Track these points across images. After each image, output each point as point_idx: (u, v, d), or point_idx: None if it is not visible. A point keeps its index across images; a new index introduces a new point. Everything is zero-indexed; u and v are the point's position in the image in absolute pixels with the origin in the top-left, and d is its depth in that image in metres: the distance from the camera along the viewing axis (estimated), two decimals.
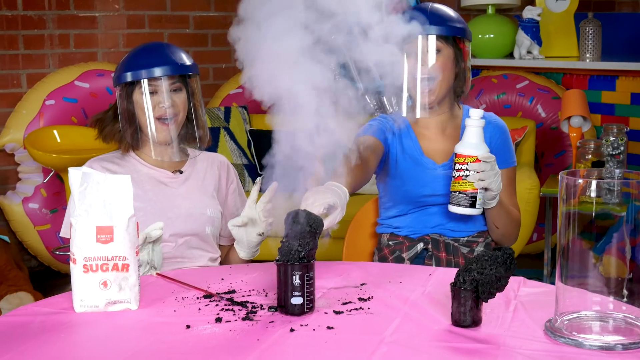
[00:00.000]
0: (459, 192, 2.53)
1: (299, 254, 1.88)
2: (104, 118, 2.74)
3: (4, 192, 5.18)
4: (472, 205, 2.53)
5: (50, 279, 5.15)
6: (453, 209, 2.56)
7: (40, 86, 5.15)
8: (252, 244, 2.55)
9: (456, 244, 2.73)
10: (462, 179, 2.52)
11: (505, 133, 2.83)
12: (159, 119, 2.62)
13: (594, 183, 1.69)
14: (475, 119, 2.52)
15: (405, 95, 2.71)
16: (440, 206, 2.76)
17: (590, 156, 4.40)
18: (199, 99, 2.73)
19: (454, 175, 2.55)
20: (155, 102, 2.61)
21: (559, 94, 5.32)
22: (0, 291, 4.54)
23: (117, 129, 2.69)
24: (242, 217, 2.51)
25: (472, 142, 2.51)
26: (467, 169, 2.50)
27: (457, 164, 2.53)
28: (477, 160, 2.49)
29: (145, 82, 2.60)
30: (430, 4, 2.75)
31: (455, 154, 2.54)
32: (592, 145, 4.43)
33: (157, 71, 2.60)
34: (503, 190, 2.69)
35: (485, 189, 2.53)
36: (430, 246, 2.73)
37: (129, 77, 2.61)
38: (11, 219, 5.06)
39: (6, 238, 4.77)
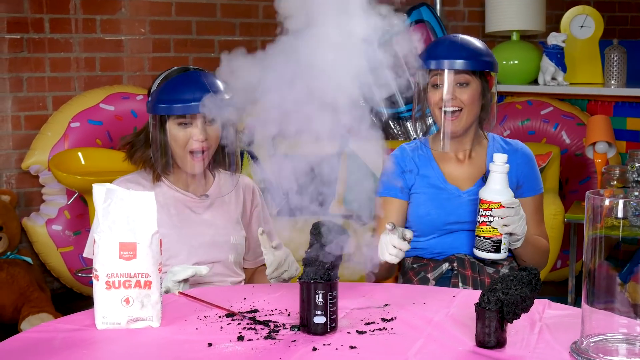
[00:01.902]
0: (483, 237, 2.52)
1: (323, 265, 1.87)
2: (134, 142, 2.70)
3: (28, 213, 5.19)
4: (497, 250, 2.52)
5: (73, 301, 5.15)
6: (478, 253, 2.55)
7: (65, 108, 5.18)
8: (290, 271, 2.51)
9: (481, 264, 2.71)
10: (487, 225, 2.51)
11: (532, 161, 2.83)
12: (192, 152, 2.59)
13: (620, 203, 1.67)
14: (499, 164, 2.51)
15: (429, 124, 2.73)
16: (465, 230, 2.75)
17: (615, 182, 4.37)
18: (235, 128, 2.68)
19: (478, 220, 2.54)
20: (189, 134, 2.56)
21: (583, 120, 5.29)
22: (23, 312, 4.55)
23: (149, 156, 2.65)
24: (270, 267, 2.47)
25: (496, 188, 2.50)
26: (491, 215, 2.49)
27: (481, 209, 2.52)
28: (501, 206, 2.48)
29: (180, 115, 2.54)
30: (460, 36, 2.77)
31: (480, 199, 2.53)
32: (617, 172, 4.40)
33: (194, 108, 2.50)
34: (530, 219, 2.69)
35: (510, 234, 2.53)
36: (455, 264, 2.71)
37: (164, 109, 2.54)
38: (34, 240, 5.07)
39: (29, 259, 4.79)
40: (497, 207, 2.48)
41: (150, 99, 2.61)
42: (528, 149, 2.86)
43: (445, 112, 2.71)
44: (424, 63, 2.72)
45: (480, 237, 2.53)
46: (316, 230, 1.92)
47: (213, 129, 2.59)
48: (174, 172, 2.67)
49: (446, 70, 2.69)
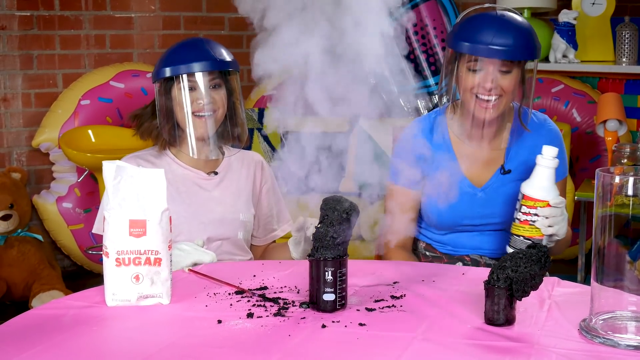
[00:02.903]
0: (523, 237, 2.32)
1: (333, 240, 1.87)
2: (142, 114, 2.73)
3: (38, 191, 5.21)
4: None
5: (83, 278, 5.18)
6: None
7: (75, 86, 5.18)
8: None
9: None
10: (529, 224, 2.31)
11: (562, 143, 2.62)
12: (197, 114, 2.60)
13: (631, 180, 1.66)
14: (548, 158, 2.31)
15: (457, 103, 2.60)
16: (479, 230, 2.65)
17: (625, 160, 4.34)
18: (239, 96, 2.69)
19: (518, 217, 2.34)
20: (193, 97, 2.58)
21: (594, 98, 5.27)
22: (33, 290, 4.58)
23: (155, 125, 2.67)
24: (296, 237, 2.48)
25: (544, 185, 2.31)
26: (535, 214, 2.30)
27: (524, 207, 2.32)
28: (548, 205, 2.29)
29: (184, 78, 2.56)
30: (505, 15, 2.49)
31: (523, 195, 2.33)
32: (628, 150, 4.37)
33: (196, 67, 2.56)
34: None
35: (551, 235, 2.34)
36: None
37: (167, 72, 2.58)
38: (45, 218, 5.09)
39: (39, 237, 4.80)
40: (544, 206, 2.29)
41: (154, 68, 2.65)
42: (556, 127, 2.67)
43: (481, 98, 2.48)
44: (461, 45, 2.46)
45: (518, 236, 2.34)
46: (327, 206, 1.92)
47: (218, 92, 2.62)
48: (182, 146, 2.68)
49: (489, 58, 2.44)
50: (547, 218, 2.30)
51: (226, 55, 2.63)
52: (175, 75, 2.58)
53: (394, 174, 2.61)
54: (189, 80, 2.57)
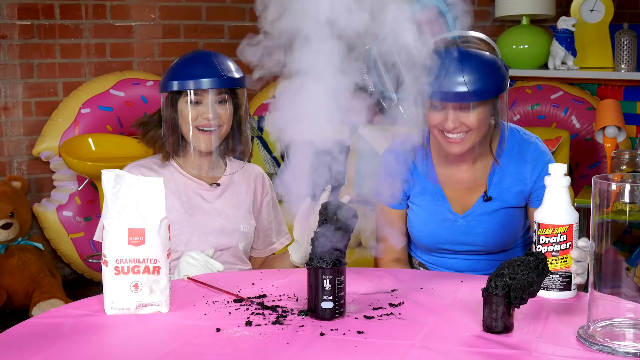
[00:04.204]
0: (550, 272, 1.97)
1: (331, 249, 1.87)
2: (148, 122, 2.74)
3: (39, 199, 5.21)
4: (567, 287, 2.03)
5: (83, 287, 5.18)
6: (543, 294, 2.03)
7: (76, 94, 5.18)
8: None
9: None
10: (552, 256, 2.01)
11: (552, 162, 2.44)
12: (201, 128, 2.61)
13: (627, 187, 1.67)
14: (557, 177, 2.04)
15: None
16: (462, 255, 2.62)
17: (625, 167, 4.35)
18: (245, 112, 2.70)
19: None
20: (199, 112, 2.59)
21: (593, 104, 5.27)
22: (34, 298, 4.58)
23: (160, 135, 2.69)
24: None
25: (561, 208, 2.02)
26: (557, 242, 2.01)
27: (542, 237, 2.02)
28: (571, 228, 2.00)
29: (190, 92, 2.58)
30: (461, 51, 2.35)
31: (539, 224, 2.03)
32: (627, 156, 4.38)
33: (204, 83, 2.57)
34: None
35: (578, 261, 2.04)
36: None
37: (174, 86, 2.59)
38: (45, 226, 5.09)
39: (40, 246, 4.80)
40: (564, 231, 2.00)
41: (162, 79, 2.65)
42: (544, 150, 2.55)
43: (447, 136, 2.41)
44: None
45: None
46: (325, 211, 1.92)
47: (224, 108, 2.63)
48: (186, 157, 2.69)
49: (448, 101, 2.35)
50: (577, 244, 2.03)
51: (234, 72, 2.63)
52: (183, 89, 2.59)
53: (379, 193, 2.55)
54: (195, 95, 2.58)
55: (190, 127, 2.60)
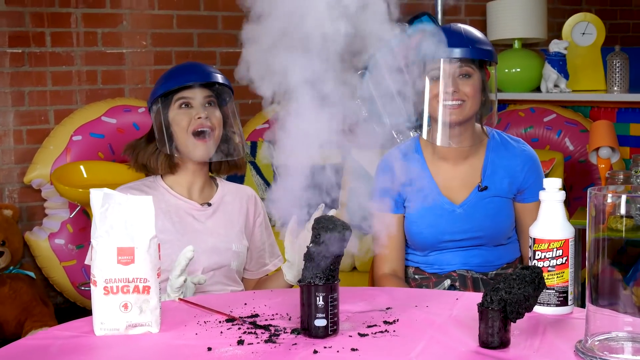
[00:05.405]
0: (546, 287, 1.94)
1: (325, 260, 1.84)
2: (137, 144, 2.74)
3: (31, 227, 5.18)
4: (564, 302, 2.00)
5: (76, 315, 5.11)
6: (539, 309, 2.01)
7: (67, 122, 5.17)
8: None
9: (485, 278, 2.67)
10: (548, 271, 1.98)
11: (538, 165, 2.73)
12: (196, 134, 2.61)
13: (623, 198, 1.65)
14: (552, 191, 2.05)
15: (426, 121, 2.66)
16: (461, 247, 2.70)
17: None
18: (235, 115, 2.73)
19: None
20: (191, 115, 2.61)
21: (586, 127, 5.28)
22: (25, 327, 4.54)
23: (150, 153, 2.68)
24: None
25: (556, 222, 2.02)
26: (552, 257, 1.99)
27: (537, 252, 2.00)
28: (566, 243, 1.99)
29: (179, 94, 2.62)
30: (459, 25, 2.69)
31: (534, 239, 2.02)
32: (621, 176, 4.36)
33: (191, 80, 2.62)
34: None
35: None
36: (457, 283, 2.67)
37: (164, 88, 2.63)
38: (37, 254, 5.06)
39: (32, 274, 4.77)
40: (560, 246, 1.99)
41: (150, 96, 2.70)
42: (533, 151, 2.75)
43: (445, 105, 2.59)
44: (422, 54, 2.55)
45: None
46: (319, 225, 1.90)
47: (214, 110, 2.66)
48: (178, 174, 2.67)
49: (448, 61, 2.59)
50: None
51: (219, 76, 2.70)
52: (171, 88, 2.62)
53: (375, 201, 2.55)
54: (184, 98, 2.62)
55: (187, 130, 2.62)
